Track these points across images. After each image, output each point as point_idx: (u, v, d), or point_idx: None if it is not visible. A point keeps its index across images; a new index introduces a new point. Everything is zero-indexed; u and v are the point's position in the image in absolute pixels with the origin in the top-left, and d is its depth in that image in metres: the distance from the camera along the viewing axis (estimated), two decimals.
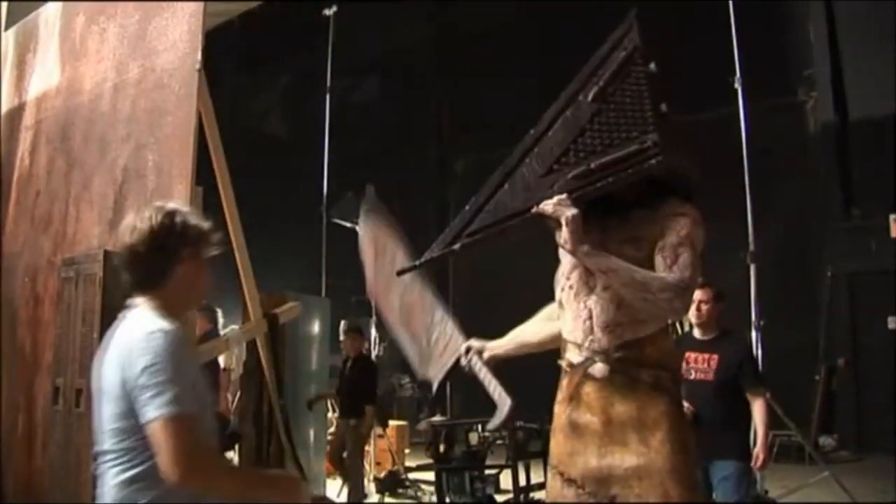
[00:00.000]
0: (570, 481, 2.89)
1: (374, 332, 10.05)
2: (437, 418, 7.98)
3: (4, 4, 8.35)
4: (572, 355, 2.96)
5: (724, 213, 8.71)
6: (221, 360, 7.78)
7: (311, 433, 8.47)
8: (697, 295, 4.90)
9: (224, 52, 16.39)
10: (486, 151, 14.42)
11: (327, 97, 10.85)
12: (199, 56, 5.87)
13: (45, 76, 7.54)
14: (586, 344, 2.90)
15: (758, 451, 4.96)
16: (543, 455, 6.42)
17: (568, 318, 2.98)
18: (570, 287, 2.98)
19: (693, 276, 2.75)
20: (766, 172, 8.32)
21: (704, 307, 5.02)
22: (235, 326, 6.76)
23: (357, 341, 7.94)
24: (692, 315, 5.05)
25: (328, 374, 10.48)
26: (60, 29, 7.45)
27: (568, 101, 2.88)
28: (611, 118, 2.74)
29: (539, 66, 12.26)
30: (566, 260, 3.03)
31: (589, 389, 2.89)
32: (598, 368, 2.88)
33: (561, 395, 3.01)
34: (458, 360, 3.25)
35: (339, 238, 9.92)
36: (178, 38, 6.07)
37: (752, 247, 7.17)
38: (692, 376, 4.84)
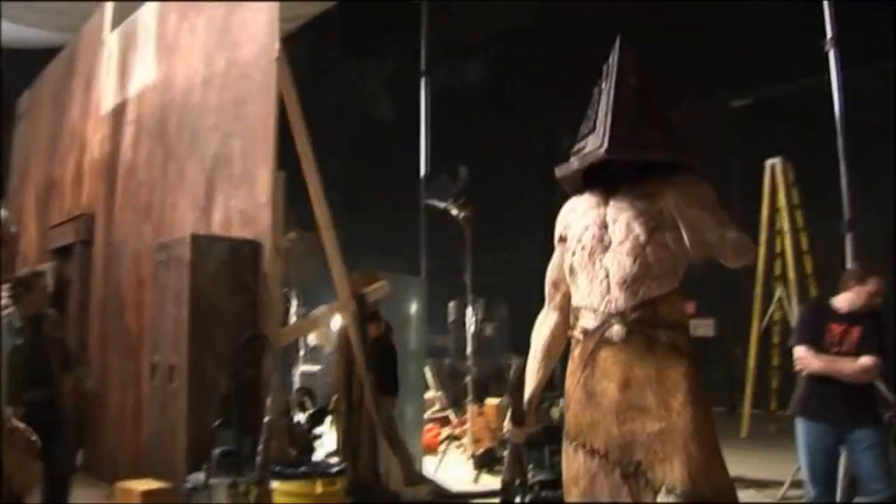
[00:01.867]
0: (592, 452, 2.86)
1: (474, 312, 10.24)
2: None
3: (109, 6, 9.00)
4: (586, 321, 2.92)
5: (819, 183, 8.56)
6: (313, 338, 8.19)
7: (409, 411, 8.82)
8: (871, 286, 4.92)
9: (332, 37, 16.96)
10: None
11: (423, 80, 11.13)
12: (276, 46, 6.26)
13: (143, 73, 8.13)
14: (602, 307, 2.87)
15: None
16: None
17: (582, 283, 2.96)
18: (583, 248, 2.96)
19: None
20: (862, 140, 8.10)
21: (875, 297, 5.01)
22: (324, 306, 7.14)
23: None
24: (857, 299, 5.00)
25: (427, 354, 10.83)
26: (156, 28, 8.02)
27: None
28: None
29: (643, 43, 12.21)
30: (580, 223, 3.02)
31: (605, 355, 2.86)
32: (616, 331, 2.84)
33: (573, 365, 2.97)
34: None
35: (441, 218, 10.15)
36: (258, 30, 6.47)
37: (847, 216, 7.04)
38: (834, 349, 4.86)
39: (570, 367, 2.97)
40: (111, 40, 8.90)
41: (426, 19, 11.21)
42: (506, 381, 15.26)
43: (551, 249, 3.19)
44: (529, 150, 16.47)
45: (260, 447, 5.36)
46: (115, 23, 8.98)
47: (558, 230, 3.13)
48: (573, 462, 2.91)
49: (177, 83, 7.51)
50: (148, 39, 8.12)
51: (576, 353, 2.96)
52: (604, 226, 2.93)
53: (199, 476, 5.20)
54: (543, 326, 3.20)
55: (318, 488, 5.38)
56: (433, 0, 11.23)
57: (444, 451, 9.17)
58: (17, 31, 10.87)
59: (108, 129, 8.71)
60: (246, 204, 6.39)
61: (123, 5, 8.88)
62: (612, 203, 2.96)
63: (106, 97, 8.86)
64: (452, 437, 9.73)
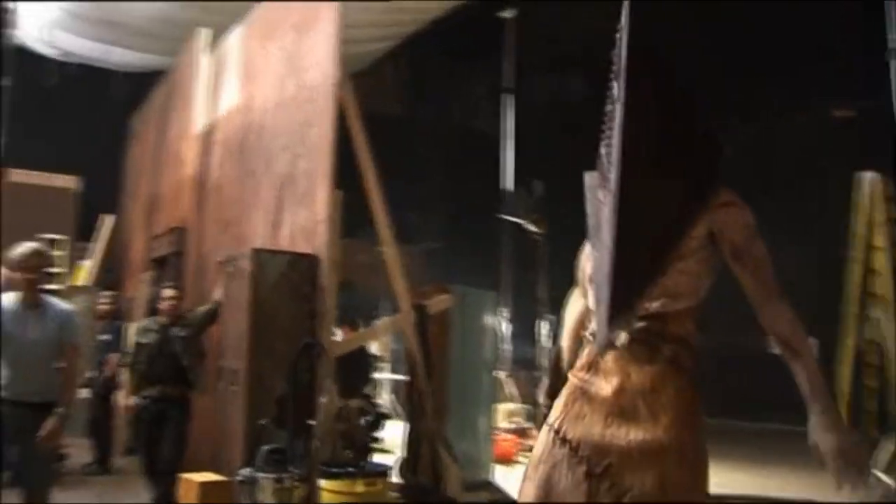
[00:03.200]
0: (564, 441, 2.91)
1: (549, 326, 10.57)
2: None
3: (203, 32, 9.82)
4: (595, 323, 2.95)
5: None
6: (373, 346, 8.73)
7: (481, 421, 9.24)
8: None
9: (438, 51, 17.62)
10: None
11: (507, 97, 11.60)
12: (336, 71, 6.83)
13: (229, 96, 8.89)
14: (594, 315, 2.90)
15: None
16: None
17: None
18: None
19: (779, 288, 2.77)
20: None
21: None
22: (386, 317, 7.66)
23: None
24: None
25: (517, 366, 11.21)
26: (239, 53, 8.77)
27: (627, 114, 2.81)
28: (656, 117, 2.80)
29: (734, 50, 12.28)
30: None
31: (608, 356, 2.92)
32: (621, 337, 2.88)
33: (579, 363, 3.05)
34: None
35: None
36: (320, 56, 7.04)
37: None
38: None
39: (577, 364, 3.07)
40: (204, 64, 9.72)
41: (512, 36, 11.66)
42: None
43: None
44: None
45: (308, 447, 5.92)
46: (210, 47, 9.80)
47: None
48: (541, 445, 2.97)
49: (255, 106, 8.20)
50: (233, 64, 8.88)
51: (584, 351, 3.06)
52: None
53: (248, 471, 5.77)
54: (572, 307, 3.34)
55: (360, 487, 5.89)
56: (518, 16, 11.67)
57: (517, 462, 9.55)
58: (128, 55, 11.95)
59: (200, 148, 9.53)
60: (307, 220, 6.97)
61: (217, 30, 9.69)
62: None
63: (199, 118, 9.68)
64: (529, 448, 10.09)
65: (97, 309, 9.23)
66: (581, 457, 2.85)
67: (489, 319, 9.67)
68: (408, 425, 7.45)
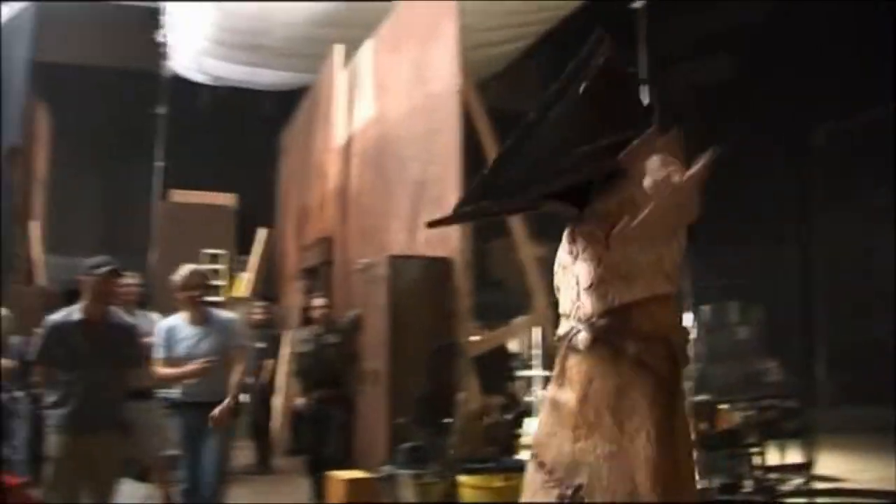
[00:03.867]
0: (541, 465, 2.72)
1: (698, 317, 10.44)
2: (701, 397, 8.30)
3: (339, 49, 10.33)
4: (561, 327, 2.83)
5: None
6: (511, 344, 8.94)
7: None
8: None
9: (573, 47, 17.64)
10: (843, 120, 14.08)
11: (646, 88, 11.54)
12: (458, 80, 7.11)
13: (364, 109, 9.35)
14: (573, 312, 2.75)
15: None
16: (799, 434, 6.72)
17: (561, 295, 2.88)
18: (563, 267, 2.89)
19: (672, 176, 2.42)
20: None
21: None
22: (522, 317, 7.87)
23: None
24: None
25: None
26: (371, 66, 9.21)
27: (555, 96, 2.89)
28: (602, 109, 2.81)
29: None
30: (562, 246, 2.95)
31: (572, 363, 2.73)
32: (581, 338, 2.69)
33: (553, 372, 2.87)
34: None
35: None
36: (443, 66, 7.33)
37: None
38: None
39: (553, 373, 2.89)
40: (341, 79, 10.23)
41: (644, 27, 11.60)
42: (755, 385, 15.12)
43: (807, 247, 3.25)
44: (777, 147, 16.16)
45: (446, 444, 6.21)
46: (345, 62, 10.31)
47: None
48: (527, 472, 2.82)
49: (387, 116, 8.60)
50: (366, 77, 9.33)
51: (556, 359, 2.88)
52: (573, 240, 2.85)
53: (390, 468, 6.12)
54: None
55: (498, 482, 6.12)
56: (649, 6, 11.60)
57: None
58: (273, 75, 12.68)
59: (341, 160, 10.04)
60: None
61: (352, 45, 10.19)
62: (584, 214, 2.85)
63: (338, 131, 10.21)
64: None
65: (252, 318, 9.86)
66: (555, 480, 2.67)
67: None
68: None
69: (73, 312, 5.12)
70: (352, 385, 7.37)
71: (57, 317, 5.13)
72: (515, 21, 11.17)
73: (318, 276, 10.38)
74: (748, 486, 6.48)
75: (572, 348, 2.73)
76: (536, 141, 2.85)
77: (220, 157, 14.10)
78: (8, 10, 8.12)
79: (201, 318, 5.60)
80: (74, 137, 13.05)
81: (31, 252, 10.65)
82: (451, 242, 7.13)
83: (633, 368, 2.59)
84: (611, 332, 2.64)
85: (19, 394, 6.93)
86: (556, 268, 2.94)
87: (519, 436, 7.76)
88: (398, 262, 7.03)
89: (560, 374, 2.78)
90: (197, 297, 5.66)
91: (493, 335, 7.69)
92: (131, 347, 5.32)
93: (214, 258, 13.59)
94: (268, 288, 13.41)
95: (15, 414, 7.15)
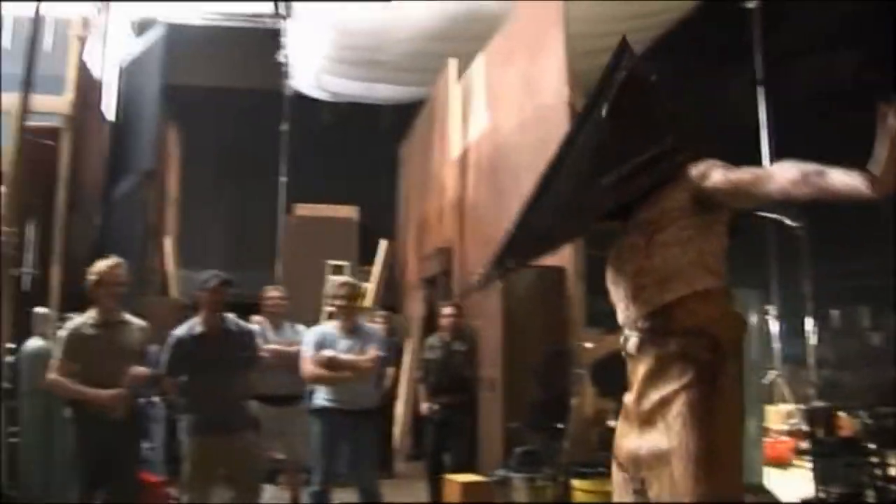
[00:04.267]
0: (620, 465, 2.92)
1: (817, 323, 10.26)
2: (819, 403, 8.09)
3: (453, 63, 10.62)
4: (621, 339, 2.99)
5: None
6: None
7: (749, 423, 9.21)
8: None
9: (686, 51, 17.48)
10: None
11: (758, 89, 11.41)
12: (566, 91, 7.27)
13: (478, 121, 9.60)
14: (624, 321, 2.92)
15: None
16: None
17: (617, 309, 3.01)
18: (612, 283, 3.00)
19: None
20: None
21: None
22: None
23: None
24: None
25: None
26: (484, 79, 9.45)
27: (582, 122, 3.03)
28: (627, 129, 2.90)
29: None
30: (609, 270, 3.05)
31: (631, 368, 2.91)
32: (632, 343, 2.87)
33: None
34: None
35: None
36: (552, 77, 7.51)
37: None
38: None
39: None
40: (455, 92, 10.51)
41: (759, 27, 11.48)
42: (885, 394, 14.58)
43: None
44: None
45: (559, 448, 6.36)
46: (459, 76, 10.58)
47: None
48: (612, 472, 3.01)
49: (500, 129, 8.81)
50: (479, 90, 9.57)
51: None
52: (618, 255, 2.97)
53: (503, 471, 6.31)
54: None
55: (609, 487, 6.22)
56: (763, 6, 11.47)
57: (793, 464, 9.40)
58: (390, 90, 13.08)
59: (458, 172, 10.31)
60: None
61: (466, 58, 10.45)
62: (628, 226, 2.96)
63: (454, 143, 10.48)
64: (804, 451, 9.87)
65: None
66: (630, 476, 2.85)
67: (753, 319, 9.61)
68: None
69: (195, 325, 5.55)
70: (475, 391, 7.59)
71: (180, 331, 5.56)
72: (626, 27, 11.19)
73: (438, 285, 10.66)
74: (870, 496, 6.34)
75: (629, 354, 2.91)
76: (565, 177, 3.03)
77: (342, 170, 14.59)
78: (142, 41, 8.73)
79: (351, 327, 5.97)
80: (203, 157, 13.75)
81: (165, 266, 11.30)
82: (563, 252, 7.27)
83: (675, 362, 2.71)
84: (654, 332, 2.78)
85: (156, 399, 7.41)
86: (607, 284, 3.06)
87: None
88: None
89: (630, 381, 2.95)
90: (348, 307, 6.02)
91: (607, 341, 7.77)
92: (249, 351, 5.71)
93: (338, 269, 14.06)
94: (389, 298, 13.80)
95: (153, 418, 7.69)
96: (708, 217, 2.80)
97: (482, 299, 7.58)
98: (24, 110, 4.07)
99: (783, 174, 2.50)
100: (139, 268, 8.43)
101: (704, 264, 2.76)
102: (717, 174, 2.73)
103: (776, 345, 12.21)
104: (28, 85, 4.13)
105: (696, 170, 2.79)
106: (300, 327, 6.83)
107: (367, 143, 14.71)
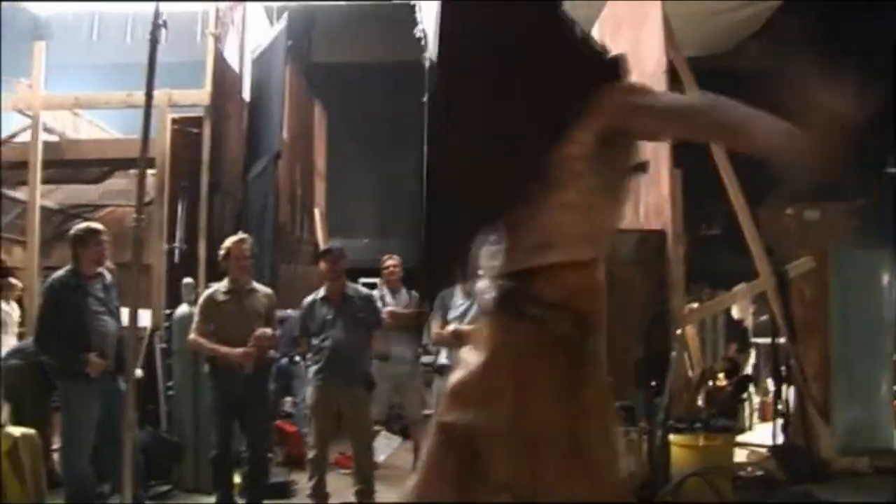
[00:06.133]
0: (442, 426, 2.58)
1: None
2: None
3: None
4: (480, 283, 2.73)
5: None
6: (735, 311, 9.19)
7: (877, 384, 9.23)
8: None
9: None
10: None
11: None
12: (664, 60, 7.64)
13: None
14: (490, 271, 2.63)
15: None
16: None
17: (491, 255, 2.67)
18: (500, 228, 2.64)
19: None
20: None
21: None
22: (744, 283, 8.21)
23: None
24: None
25: None
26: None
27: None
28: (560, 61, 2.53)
29: None
30: None
31: (482, 325, 2.63)
32: (485, 299, 2.61)
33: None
34: None
35: None
36: (653, 47, 7.87)
37: None
38: None
39: None
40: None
41: None
42: None
43: None
44: None
45: (658, 405, 6.84)
46: None
47: None
48: (430, 429, 2.67)
49: None
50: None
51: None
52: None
53: None
54: None
55: (701, 441, 6.69)
56: None
57: None
58: None
59: None
60: (655, 198, 7.86)
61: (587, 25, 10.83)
62: None
63: None
64: None
65: None
66: (453, 442, 2.53)
67: (885, 280, 9.58)
68: (776, 388, 7.98)
69: (320, 292, 6.44)
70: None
71: (310, 297, 6.46)
72: None
73: None
74: None
75: (482, 311, 2.68)
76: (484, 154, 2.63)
77: None
78: (273, 29, 9.58)
79: (470, 289, 6.59)
80: (348, 130, 14.65)
81: (315, 237, 12.32)
82: (664, 215, 7.69)
83: (536, 334, 2.44)
84: (515, 295, 2.50)
85: (298, 359, 8.36)
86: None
87: (741, 401, 8.17)
88: (613, 237, 7.67)
89: (471, 338, 2.73)
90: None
91: (714, 303, 8.13)
92: (367, 314, 6.52)
93: None
94: None
95: (296, 374, 8.67)
96: (612, 164, 2.50)
97: None
98: (148, 104, 4.80)
99: (718, 116, 2.34)
100: (282, 240, 9.42)
101: (587, 235, 2.51)
102: (640, 98, 2.47)
103: None
104: (151, 78, 4.87)
105: (610, 98, 2.44)
106: (415, 293, 7.59)
107: None
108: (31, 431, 3.81)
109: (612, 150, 2.47)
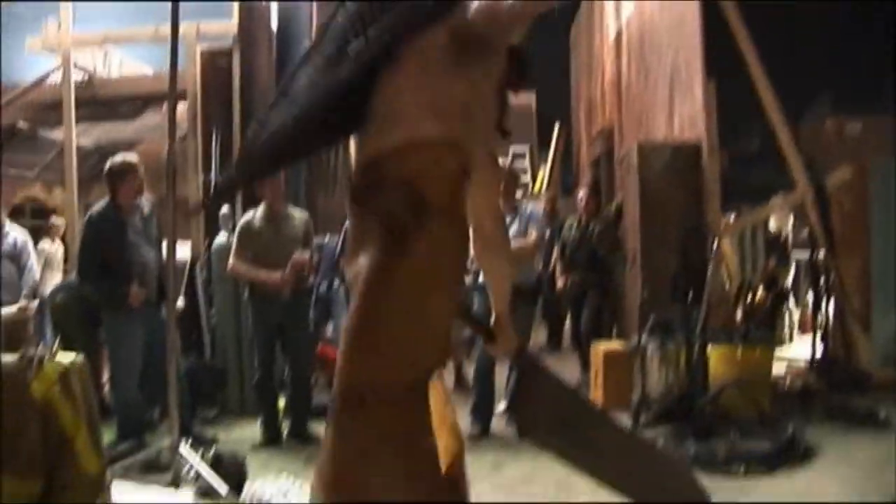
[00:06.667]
0: None
1: None
2: None
3: None
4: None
5: None
6: (772, 223, 9.14)
7: None
8: None
9: None
10: None
11: None
12: None
13: (628, 4, 9.91)
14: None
15: None
16: None
17: None
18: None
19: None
20: None
21: None
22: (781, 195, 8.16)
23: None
24: None
25: None
26: None
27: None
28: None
29: None
30: None
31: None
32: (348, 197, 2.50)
33: None
34: None
35: None
36: None
37: None
38: None
39: None
40: None
41: None
42: None
43: None
44: None
45: (696, 318, 6.88)
46: None
47: None
48: None
49: (645, 9, 9.11)
50: None
51: None
52: None
53: (638, 339, 6.92)
54: None
55: (739, 353, 6.73)
56: None
57: None
58: None
59: (613, 53, 10.68)
60: (689, 110, 7.79)
61: None
62: None
63: (610, 27, 10.82)
64: None
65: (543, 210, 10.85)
66: None
67: None
68: (815, 301, 7.97)
69: None
70: (610, 270, 8.16)
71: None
72: None
73: (600, 166, 11.18)
74: None
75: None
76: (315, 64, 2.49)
77: None
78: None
79: (509, 209, 6.41)
80: None
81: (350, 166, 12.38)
82: (698, 127, 7.63)
83: (375, 222, 2.31)
84: (365, 186, 2.39)
85: (337, 283, 8.47)
86: None
87: (780, 314, 8.17)
88: (647, 150, 7.66)
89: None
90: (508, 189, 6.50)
91: (748, 216, 8.09)
92: None
93: (518, 156, 14.78)
94: (568, 180, 14.39)
95: (336, 300, 8.79)
96: (467, 59, 2.37)
97: (623, 177, 8.09)
98: (174, 37, 4.82)
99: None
100: (318, 167, 9.49)
101: (435, 108, 2.31)
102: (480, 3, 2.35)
103: None
104: (175, 11, 4.87)
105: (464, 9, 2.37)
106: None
107: (540, 30, 15.07)
108: (81, 358, 3.92)
109: (476, 57, 2.39)
